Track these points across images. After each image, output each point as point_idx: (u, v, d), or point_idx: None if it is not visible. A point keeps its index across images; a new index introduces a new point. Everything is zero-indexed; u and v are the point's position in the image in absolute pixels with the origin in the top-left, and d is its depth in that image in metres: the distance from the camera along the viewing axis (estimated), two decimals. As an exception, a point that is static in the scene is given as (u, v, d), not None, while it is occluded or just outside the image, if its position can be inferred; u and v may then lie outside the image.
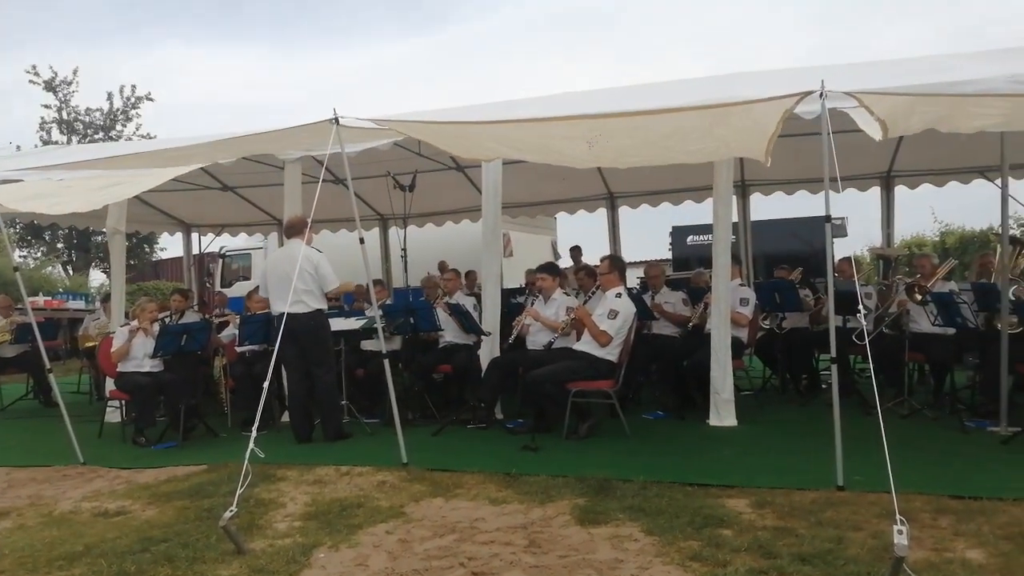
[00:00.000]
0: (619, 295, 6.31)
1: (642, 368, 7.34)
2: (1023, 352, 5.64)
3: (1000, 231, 6.01)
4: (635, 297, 7.00)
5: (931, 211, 16.39)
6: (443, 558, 3.72)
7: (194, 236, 12.23)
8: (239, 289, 13.38)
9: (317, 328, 6.35)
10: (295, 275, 5.39)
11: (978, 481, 4.47)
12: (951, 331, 6.50)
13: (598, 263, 7.03)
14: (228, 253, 15.49)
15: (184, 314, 7.90)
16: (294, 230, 6.53)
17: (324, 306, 6.49)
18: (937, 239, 15.57)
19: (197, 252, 12.60)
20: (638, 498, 4.38)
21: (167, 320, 7.27)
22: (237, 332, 7.55)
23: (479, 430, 6.53)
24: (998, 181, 6.32)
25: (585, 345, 6.23)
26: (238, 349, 7.59)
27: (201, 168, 7.29)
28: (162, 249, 23.21)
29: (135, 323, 6.89)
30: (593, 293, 7.24)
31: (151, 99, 22.78)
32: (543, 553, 3.71)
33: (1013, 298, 5.76)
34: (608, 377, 6.13)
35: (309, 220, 5.68)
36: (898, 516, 2.93)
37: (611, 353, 6.15)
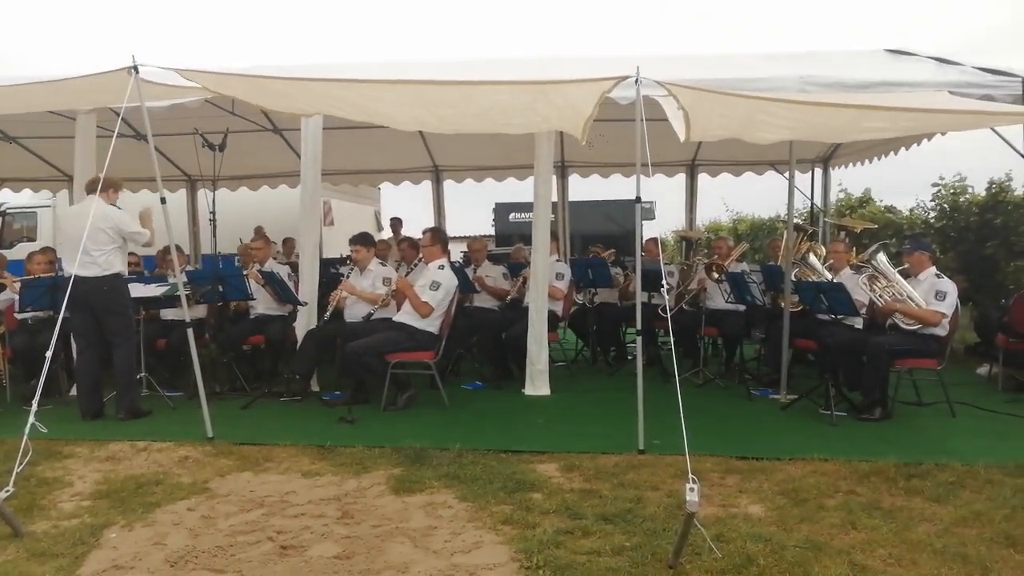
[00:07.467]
0: (442, 267, 6.31)
1: (462, 340, 7.42)
2: (802, 328, 6.25)
3: (787, 219, 6.60)
4: (457, 270, 7.04)
5: (722, 201, 17.63)
6: (250, 533, 3.59)
7: (-33, 191, 10.85)
8: (21, 251, 12.03)
9: (112, 294, 5.79)
10: (85, 234, 4.87)
11: (760, 443, 4.93)
12: (742, 308, 7.12)
13: (421, 235, 6.99)
14: (9, 211, 13.93)
15: (-47, 276, 7.03)
16: (93, 186, 5.92)
17: (123, 270, 5.94)
18: (731, 225, 16.79)
19: (-29, 208, 11.21)
20: (453, 466, 4.45)
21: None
22: (17, 297, 6.79)
23: (293, 403, 6.32)
24: (787, 174, 6.95)
25: (406, 316, 6.19)
26: (18, 316, 6.83)
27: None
28: (-72, 203, 20.36)
29: None
30: (416, 265, 7.21)
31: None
32: (356, 524, 3.68)
33: (795, 279, 6.35)
34: (428, 348, 6.12)
35: (101, 176, 5.20)
36: (690, 476, 3.15)
37: (432, 324, 6.15)
